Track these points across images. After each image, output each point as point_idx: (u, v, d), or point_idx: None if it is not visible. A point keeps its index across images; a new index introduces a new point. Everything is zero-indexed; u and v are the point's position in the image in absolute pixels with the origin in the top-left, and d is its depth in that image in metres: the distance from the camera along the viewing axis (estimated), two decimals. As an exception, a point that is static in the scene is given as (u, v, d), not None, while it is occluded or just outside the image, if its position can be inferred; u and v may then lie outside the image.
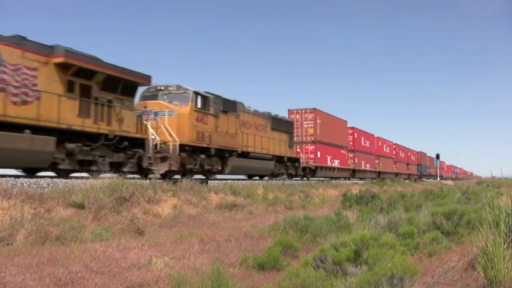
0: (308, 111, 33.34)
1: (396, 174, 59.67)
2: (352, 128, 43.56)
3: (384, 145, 55.78)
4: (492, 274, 4.79)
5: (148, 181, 13.30)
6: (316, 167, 33.12)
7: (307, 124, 33.21)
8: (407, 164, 67.62)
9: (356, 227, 7.01)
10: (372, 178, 48.54)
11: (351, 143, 42.91)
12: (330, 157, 35.79)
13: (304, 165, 31.31)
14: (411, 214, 9.33)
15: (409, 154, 69.49)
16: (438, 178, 77.38)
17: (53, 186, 10.90)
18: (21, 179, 10.91)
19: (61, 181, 11.50)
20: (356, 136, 43.95)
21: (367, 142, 48.03)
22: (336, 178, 37.83)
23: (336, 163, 37.41)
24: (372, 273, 4.04)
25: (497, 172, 8.69)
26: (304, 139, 32.91)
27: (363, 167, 45.68)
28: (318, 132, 33.34)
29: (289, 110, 33.72)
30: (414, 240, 6.82)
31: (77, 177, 13.12)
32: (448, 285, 5.09)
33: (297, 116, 33.20)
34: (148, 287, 5.17)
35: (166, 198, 12.38)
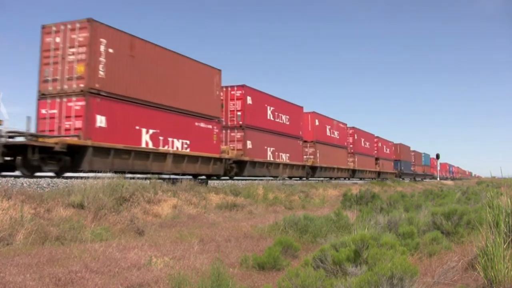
0: (77, 26, 14.52)
1: (353, 172, 43.22)
2: (242, 86, 24.16)
3: (328, 128, 36.88)
4: (492, 274, 4.79)
5: (148, 181, 13.30)
6: (78, 148, 13.81)
7: (73, 54, 14.53)
8: (376, 159, 51.10)
9: (356, 227, 7.01)
10: (300, 177, 31.31)
11: (238, 114, 23.86)
12: (154, 131, 16.85)
13: (31, 142, 12.66)
14: (411, 214, 9.33)
15: (380, 145, 52.64)
16: (438, 178, 77.34)
17: (53, 186, 10.92)
18: (21, 179, 10.93)
19: (61, 181, 11.51)
20: (250, 102, 24.55)
21: (286, 118, 29.12)
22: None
23: (178, 146, 18.29)
24: (372, 273, 4.04)
25: (496, 172, 8.69)
26: (64, 87, 14.48)
27: (270, 157, 26.54)
28: (102, 70, 14.67)
29: (43, 26, 14.95)
30: (414, 240, 6.83)
31: (77, 177, 13.14)
32: (448, 285, 5.08)
33: (57, 39, 14.76)
34: (148, 287, 5.17)
35: (166, 198, 12.40)
